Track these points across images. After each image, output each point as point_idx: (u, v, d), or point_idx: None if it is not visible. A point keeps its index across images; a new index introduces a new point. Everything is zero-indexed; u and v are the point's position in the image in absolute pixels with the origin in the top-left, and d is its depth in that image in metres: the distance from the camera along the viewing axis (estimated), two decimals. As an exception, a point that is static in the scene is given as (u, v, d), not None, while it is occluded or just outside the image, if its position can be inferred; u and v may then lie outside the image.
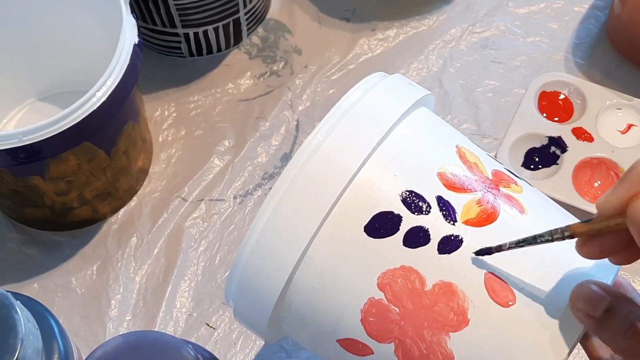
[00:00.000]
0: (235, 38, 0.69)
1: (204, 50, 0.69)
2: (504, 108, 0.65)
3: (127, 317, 0.58)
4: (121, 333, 0.48)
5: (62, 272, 0.60)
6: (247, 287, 0.41)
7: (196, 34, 0.67)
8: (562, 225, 0.37)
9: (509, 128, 0.63)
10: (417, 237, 0.39)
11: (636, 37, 0.64)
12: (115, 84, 0.51)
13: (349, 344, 0.41)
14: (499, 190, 0.41)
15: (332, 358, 0.43)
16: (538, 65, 0.67)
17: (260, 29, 0.71)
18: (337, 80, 0.68)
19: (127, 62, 0.52)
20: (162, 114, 0.67)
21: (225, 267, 0.60)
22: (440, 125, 0.45)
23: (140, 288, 0.59)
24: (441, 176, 0.41)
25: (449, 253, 0.39)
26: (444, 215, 0.39)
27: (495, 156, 0.62)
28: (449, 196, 0.40)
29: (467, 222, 0.39)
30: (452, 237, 0.39)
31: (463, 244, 0.39)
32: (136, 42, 0.53)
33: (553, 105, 0.64)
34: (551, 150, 0.62)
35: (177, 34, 0.66)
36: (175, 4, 0.63)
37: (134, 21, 0.54)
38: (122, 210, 0.63)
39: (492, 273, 0.39)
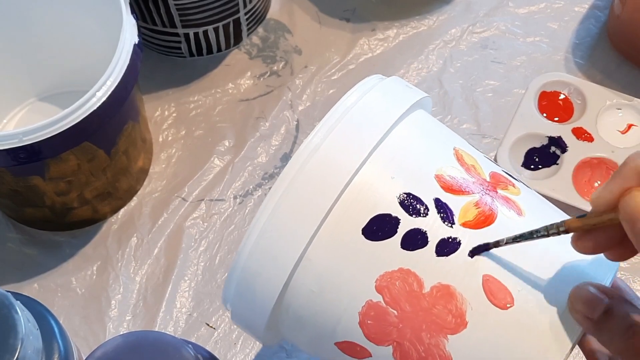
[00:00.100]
0: (235, 38, 0.69)
1: (204, 50, 0.69)
2: (504, 108, 0.65)
3: (127, 317, 0.58)
4: (121, 333, 0.48)
5: (62, 272, 0.60)
6: (245, 289, 0.41)
7: (196, 34, 0.67)
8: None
9: (509, 128, 0.63)
10: (415, 240, 0.39)
11: (636, 37, 0.64)
12: (115, 84, 0.51)
13: (347, 347, 0.41)
14: (496, 192, 0.41)
15: None
16: (538, 65, 0.67)
17: (260, 29, 0.71)
18: (337, 80, 0.68)
19: (127, 62, 0.52)
20: (162, 114, 0.67)
21: (225, 267, 0.60)
22: (438, 127, 0.45)
23: (141, 288, 0.59)
24: (439, 178, 0.41)
25: (446, 255, 0.39)
26: (442, 218, 0.39)
27: (496, 156, 0.62)
28: (447, 198, 0.40)
29: (464, 225, 0.39)
30: (450, 240, 0.39)
31: (461, 246, 0.39)
32: (136, 42, 0.53)
33: (553, 105, 0.64)
34: (551, 150, 0.62)
35: (177, 34, 0.66)
36: (175, 4, 0.63)
37: (134, 21, 0.54)
38: (122, 210, 0.63)
39: (490, 275, 0.38)
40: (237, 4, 0.66)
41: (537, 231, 0.38)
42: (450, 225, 0.39)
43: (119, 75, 0.52)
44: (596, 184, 0.60)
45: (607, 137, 0.62)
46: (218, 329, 0.58)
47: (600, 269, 0.39)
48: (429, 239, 0.39)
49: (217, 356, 0.47)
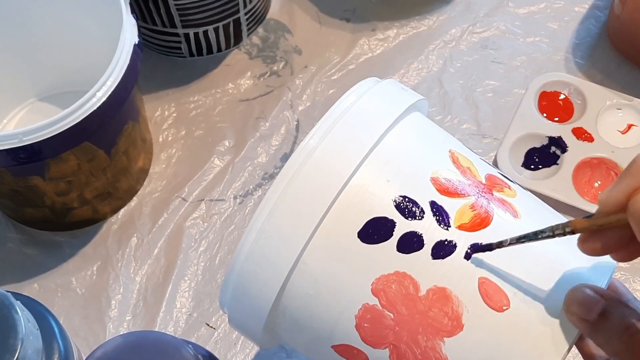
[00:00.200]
0: (235, 38, 0.69)
1: (204, 51, 0.69)
2: (504, 108, 0.65)
3: (127, 317, 0.58)
4: (121, 333, 0.48)
5: (62, 272, 0.60)
6: (241, 293, 0.41)
7: (196, 34, 0.67)
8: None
9: (509, 128, 0.63)
10: (410, 243, 0.39)
11: (636, 37, 0.64)
12: (115, 84, 0.51)
13: (344, 350, 0.41)
14: (492, 194, 0.41)
15: None
16: (538, 65, 0.67)
17: (260, 29, 0.71)
18: (337, 81, 0.68)
19: (127, 62, 0.52)
20: (162, 114, 0.67)
21: (225, 267, 0.60)
22: (434, 129, 0.45)
23: (141, 288, 0.59)
24: (434, 181, 0.41)
25: (442, 258, 0.39)
26: (438, 221, 0.39)
27: (496, 156, 0.62)
28: (443, 201, 0.40)
29: (460, 227, 0.39)
30: (446, 242, 0.39)
31: (457, 249, 0.39)
32: (136, 42, 0.53)
33: (553, 105, 0.64)
34: (551, 150, 0.62)
35: (177, 34, 0.66)
36: (175, 4, 0.63)
37: (134, 21, 0.54)
38: (122, 211, 0.63)
39: (486, 278, 0.38)
40: (237, 4, 0.66)
41: (542, 231, 0.38)
42: (445, 228, 0.39)
43: (119, 75, 0.52)
44: (596, 184, 0.60)
45: (607, 137, 0.62)
46: (218, 329, 0.58)
47: (596, 270, 0.39)
48: (424, 242, 0.39)
49: (217, 356, 0.47)
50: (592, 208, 0.49)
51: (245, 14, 0.67)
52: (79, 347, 0.48)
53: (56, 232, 0.62)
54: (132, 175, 0.61)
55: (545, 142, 0.62)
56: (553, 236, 0.37)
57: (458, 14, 0.71)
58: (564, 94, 0.65)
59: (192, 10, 0.64)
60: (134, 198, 0.63)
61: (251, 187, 0.63)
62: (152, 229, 0.62)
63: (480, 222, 0.40)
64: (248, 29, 0.69)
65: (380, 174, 0.40)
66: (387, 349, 0.39)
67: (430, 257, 0.39)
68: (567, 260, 0.39)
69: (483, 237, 0.39)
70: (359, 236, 0.39)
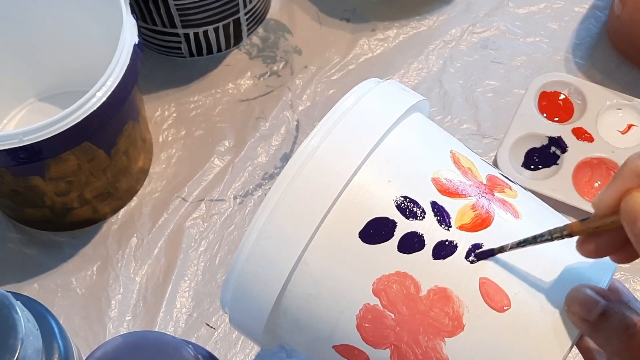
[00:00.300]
0: (235, 38, 0.69)
1: (204, 51, 0.69)
2: (504, 108, 0.65)
3: (127, 317, 0.58)
4: (121, 333, 0.48)
5: (62, 272, 0.60)
6: (242, 294, 0.41)
7: (196, 34, 0.67)
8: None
9: (509, 128, 0.63)
10: (411, 243, 0.39)
11: (636, 37, 0.64)
12: (115, 84, 0.51)
13: (345, 350, 0.41)
14: (493, 195, 0.41)
15: None
16: (538, 66, 0.67)
17: (260, 29, 0.71)
18: (337, 81, 0.68)
19: (127, 62, 0.52)
20: (162, 114, 0.67)
21: (225, 267, 0.60)
22: (434, 130, 0.45)
23: (141, 288, 0.59)
24: (435, 181, 0.41)
25: (443, 258, 0.39)
26: (439, 221, 0.39)
27: (496, 156, 0.62)
28: (444, 201, 0.40)
29: (461, 228, 0.39)
30: (447, 243, 0.39)
31: (457, 249, 0.39)
32: (136, 42, 0.53)
33: (553, 105, 0.64)
34: (551, 151, 0.62)
35: (177, 34, 0.66)
36: (175, 4, 0.63)
37: (134, 21, 0.54)
38: (122, 211, 0.63)
39: (486, 278, 0.38)
40: (237, 4, 0.66)
41: (540, 235, 0.38)
42: (446, 228, 0.39)
43: (119, 75, 0.52)
44: (596, 184, 0.60)
45: (607, 137, 0.62)
46: (218, 329, 0.58)
47: (597, 270, 0.39)
48: (425, 242, 0.39)
49: (217, 356, 0.47)
50: (592, 208, 0.49)
51: (245, 14, 0.67)
52: (79, 347, 0.48)
53: (56, 232, 0.62)
54: (132, 175, 0.61)
55: (545, 142, 0.62)
56: (552, 240, 0.38)
57: (458, 14, 0.71)
58: (564, 94, 0.65)
59: (192, 10, 0.64)
60: (134, 198, 0.63)
61: (251, 187, 0.63)
62: (152, 229, 0.62)
63: (481, 222, 0.40)
64: (248, 29, 0.69)
65: (381, 175, 0.40)
66: (388, 349, 0.39)
67: (431, 257, 0.39)
68: (567, 260, 0.39)
69: (484, 237, 0.39)
70: (360, 236, 0.39)
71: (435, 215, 0.39)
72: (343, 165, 0.39)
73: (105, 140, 0.56)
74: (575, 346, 0.39)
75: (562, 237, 0.37)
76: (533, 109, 0.63)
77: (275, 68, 0.69)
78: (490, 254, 0.39)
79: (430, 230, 0.39)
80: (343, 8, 0.71)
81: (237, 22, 0.67)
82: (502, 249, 0.39)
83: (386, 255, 0.39)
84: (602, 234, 0.36)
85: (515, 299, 0.38)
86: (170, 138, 0.66)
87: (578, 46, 0.68)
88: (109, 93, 0.51)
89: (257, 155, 0.65)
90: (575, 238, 0.37)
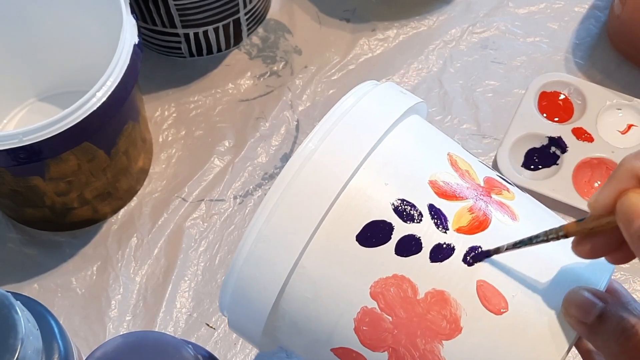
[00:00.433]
0: (235, 38, 0.69)
1: (204, 51, 0.69)
2: (504, 108, 0.65)
3: (127, 318, 0.58)
4: (121, 333, 0.48)
5: (62, 272, 0.60)
6: (241, 297, 0.41)
7: (196, 34, 0.67)
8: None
9: (509, 128, 0.63)
10: (409, 246, 0.39)
11: (636, 37, 0.64)
12: (115, 84, 0.51)
13: (343, 353, 0.41)
14: (490, 197, 0.41)
15: None
16: (538, 66, 0.67)
17: (260, 29, 0.71)
18: (337, 81, 0.68)
19: (127, 62, 0.52)
20: (162, 114, 0.67)
21: (225, 267, 0.60)
22: (432, 132, 0.44)
23: (140, 288, 0.59)
24: (433, 184, 0.40)
25: (441, 261, 0.39)
26: (436, 224, 0.39)
27: (496, 156, 0.62)
28: (441, 204, 0.40)
29: (458, 230, 0.39)
30: (444, 245, 0.39)
31: (455, 252, 0.39)
32: (136, 42, 0.53)
33: (553, 105, 0.64)
34: (551, 151, 0.62)
35: (177, 34, 0.66)
36: (175, 4, 0.63)
37: (134, 21, 0.54)
38: (122, 211, 0.63)
39: (484, 281, 0.38)
40: (237, 4, 0.66)
41: (536, 237, 0.38)
42: (444, 231, 0.39)
43: (119, 75, 0.52)
44: (596, 184, 0.60)
45: (607, 137, 0.62)
46: (218, 329, 0.58)
47: (595, 272, 0.39)
48: (423, 245, 0.39)
49: (217, 356, 0.47)
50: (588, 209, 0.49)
51: (245, 14, 0.67)
52: (79, 347, 0.48)
53: (56, 232, 0.62)
54: (132, 175, 0.61)
55: (545, 142, 0.62)
56: (547, 240, 0.38)
57: (458, 14, 0.71)
58: (564, 94, 0.65)
59: (192, 11, 0.64)
60: (134, 198, 0.63)
61: (251, 187, 0.63)
62: (152, 229, 0.62)
63: (479, 225, 0.40)
64: (248, 29, 0.69)
65: (379, 177, 0.40)
66: (386, 352, 0.39)
67: (429, 260, 0.39)
68: (565, 262, 0.39)
69: (481, 240, 0.39)
70: (357, 239, 0.39)
71: (432, 218, 0.39)
72: (340, 168, 0.39)
73: (105, 140, 0.56)
74: (574, 347, 0.39)
75: (557, 238, 0.37)
76: (533, 109, 0.63)
77: (275, 68, 0.69)
78: (486, 255, 0.39)
79: (428, 233, 0.39)
80: (343, 8, 0.71)
81: (237, 22, 0.67)
82: (497, 250, 0.39)
83: (383, 258, 0.39)
84: (597, 235, 0.36)
85: (513, 301, 0.38)
86: (170, 138, 0.66)
87: (578, 46, 0.68)
88: (109, 93, 0.51)
89: (257, 155, 0.65)
90: (571, 239, 0.37)
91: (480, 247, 0.39)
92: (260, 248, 0.40)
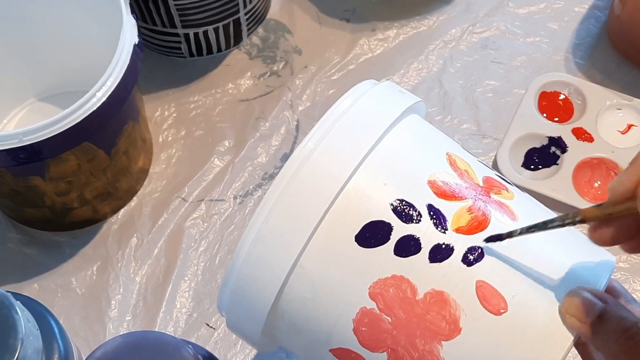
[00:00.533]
0: (235, 38, 0.69)
1: (204, 51, 0.69)
2: (504, 108, 0.65)
3: (127, 317, 0.58)
4: (121, 333, 0.48)
5: (62, 272, 0.60)
6: (240, 297, 0.41)
7: (196, 34, 0.67)
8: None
9: (509, 128, 0.63)
10: (408, 246, 0.39)
11: (636, 37, 0.64)
12: (115, 84, 0.51)
13: (342, 354, 0.41)
14: (489, 197, 0.41)
15: None
16: (538, 66, 0.67)
17: (260, 29, 0.71)
18: (337, 81, 0.68)
19: (127, 62, 0.52)
20: (162, 114, 0.67)
21: (225, 267, 0.60)
22: (431, 132, 0.44)
23: (140, 288, 0.59)
24: (432, 184, 0.40)
25: (440, 261, 0.39)
26: (435, 224, 0.39)
27: (496, 156, 0.62)
28: (440, 204, 0.40)
29: (458, 230, 0.39)
30: (443, 246, 0.39)
31: (454, 252, 0.39)
32: (136, 42, 0.53)
33: (553, 105, 0.64)
34: (551, 151, 0.62)
35: (177, 34, 0.66)
36: (175, 4, 0.63)
37: (134, 21, 0.54)
38: (122, 211, 0.63)
39: (483, 281, 0.38)
40: (237, 4, 0.66)
41: (552, 221, 0.38)
42: (443, 231, 0.39)
43: (119, 75, 0.52)
44: (596, 184, 0.60)
45: (607, 137, 0.62)
46: (218, 329, 0.58)
47: (594, 271, 0.39)
48: (422, 246, 0.39)
49: (217, 356, 0.47)
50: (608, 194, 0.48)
51: (245, 14, 0.67)
52: (79, 347, 0.48)
53: (56, 232, 0.62)
54: (132, 175, 0.61)
55: (545, 142, 0.62)
56: (563, 225, 0.37)
57: (458, 14, 0.71)
58: (564, 94, 0.65)
59: (192, 11, 0.64)
60: (134, 198, 0.63)
61: (251, 187, 0.63)
62: (152, 229, 0.62)
63: (478, 225, 0.40)
64: (248, 29, 0.69)
65: (377, 177, 0.40)
66: (385, 353, 0.39)
67: (428, 260, 0.39)
68: (565, 262, 0.39)
69: (480, 240, 0.39)
70: (356, 240, 0.39)
71: (431, 218, 0.39)
72: (339, 168, 0.39)
73: (105, 140, 0.56)
74: (574, 347, 0.39)
75: (574, 223, 0.37)
76: (533, 109, 0.63)
77: (275, 68, 0.69)
78: (498, 238, 0.39)
79: (427, 234, 0.39)
80: (343, 8, 0.71)
81: (237, 22, 0.67)
82: (510, 235, 0.38)
83: (382, 258, 0.39)
84: (615, 221, 0.35)
85: (512, 301, 0.38)
86: (170, 138, 0.66)
87: (578, 46, 0.68)
88: (109, 93, 0.51)
89: (257, 155, 0.65)
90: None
91: (479, 247, 0.39)
92: (259, 248, 0.40)
